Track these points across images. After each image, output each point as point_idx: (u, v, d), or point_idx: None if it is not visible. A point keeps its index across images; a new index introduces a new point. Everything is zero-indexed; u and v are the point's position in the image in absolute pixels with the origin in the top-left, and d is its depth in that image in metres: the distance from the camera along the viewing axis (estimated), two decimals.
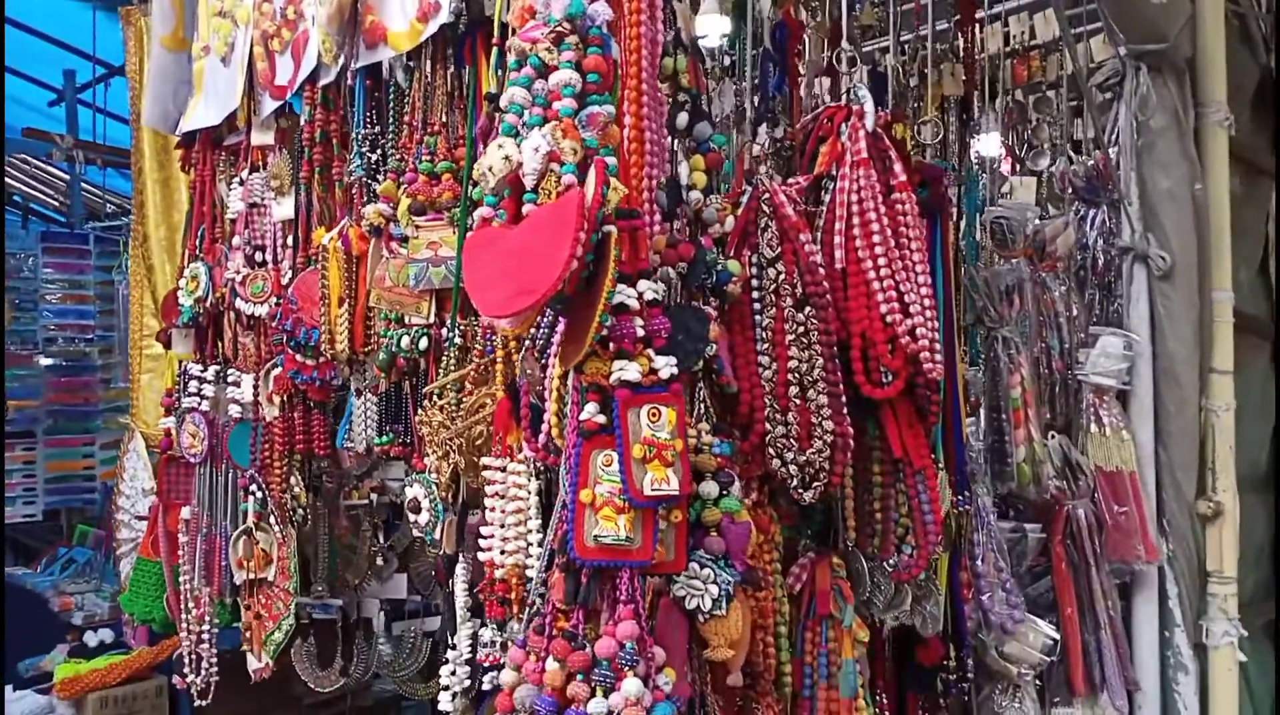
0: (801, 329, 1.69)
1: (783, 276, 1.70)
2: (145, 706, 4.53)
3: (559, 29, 1.46)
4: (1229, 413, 2.52)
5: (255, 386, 2.53)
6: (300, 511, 2.55)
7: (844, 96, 2.00)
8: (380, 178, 2.09)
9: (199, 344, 2.70)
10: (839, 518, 1.91)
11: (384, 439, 2.07)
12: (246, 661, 2.94)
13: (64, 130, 6.18)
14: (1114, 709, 2.38)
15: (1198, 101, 2.53)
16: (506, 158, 1.42)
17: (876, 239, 1.78)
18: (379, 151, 2.10)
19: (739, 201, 1.76)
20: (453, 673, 1.84)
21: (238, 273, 2.51)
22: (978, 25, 3.18)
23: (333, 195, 2.29)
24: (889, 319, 1.76)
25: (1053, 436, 2.39)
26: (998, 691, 2.25)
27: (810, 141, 1.94)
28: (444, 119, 2.03)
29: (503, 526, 1.72)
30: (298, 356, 2.28)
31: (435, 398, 1.86)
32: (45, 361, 6.25)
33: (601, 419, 1.45)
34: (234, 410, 2.58)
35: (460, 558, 1.89)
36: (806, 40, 2.62)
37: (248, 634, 2.64)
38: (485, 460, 1.75)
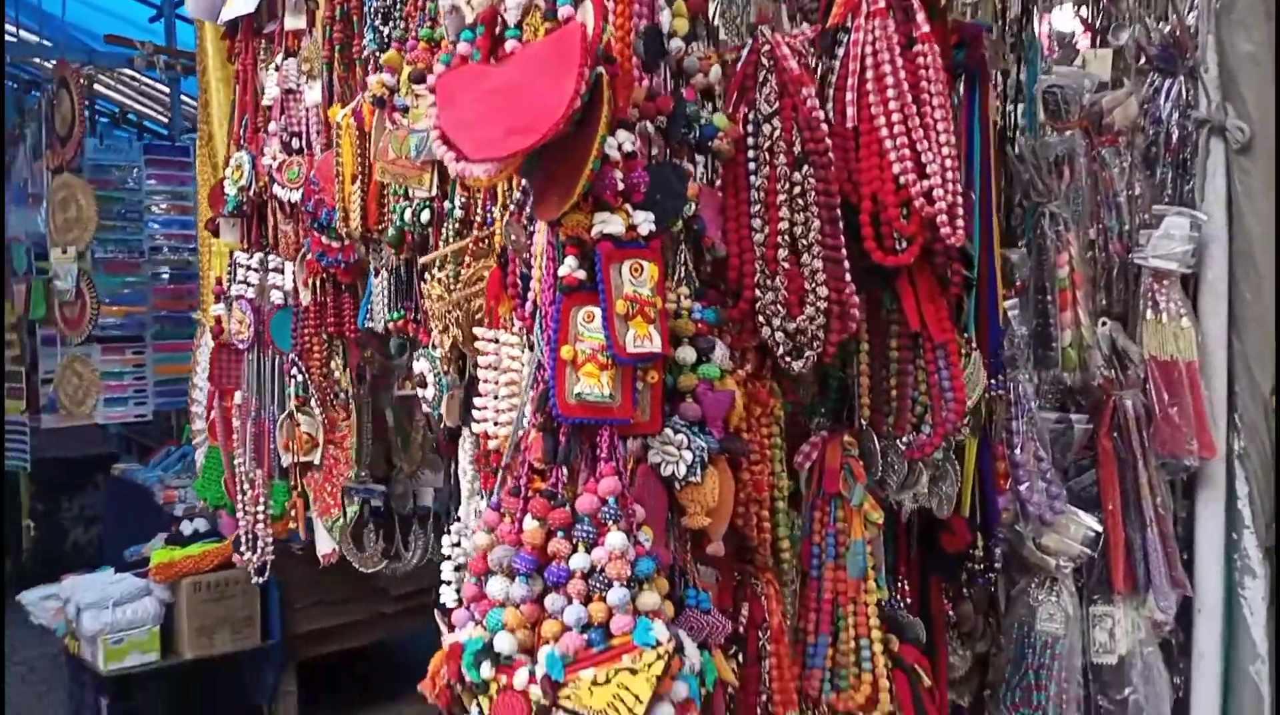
0: (797, 189, 1.58)
1: (778, 133, 1.59)
2: (237, 591, 4.76)
3: None
4: None
5: (294, 273, 2.55)
6: (342, 396, 2.59)
7: None
8: None
9: (245, 233, 2.74)
10: (855, 396, 1.83)
11: (394, 315, 2.06)
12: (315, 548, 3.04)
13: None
14: (1159, 610, 2.26)
15: None
16: None
17: (891, 94, 1.65)
18: (390, 23, 2.05)
19: (738, 56, 1.65)
20: (455, 544, 1.84)
21: (274, 159, 2.52)
22: None
23: (353, 74, 2.26)
24: (902, 180, 1.64)
25: (1104, 323, 2.24)
26: (1034, 585, 2.15)
27: None
28: None
29: (496, 398, 1.70)
30: (323, 238, 2.29)
31: (435, 271, 1.83)
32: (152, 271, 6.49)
33: (581, 274, 1.39)
34: (275, 296, 2.61)
35: (464, 431, 1.88)
36: None
37: (293, 512, 2.71)
38: (478, 331, 1.72)
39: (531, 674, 1.37)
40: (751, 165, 1.61)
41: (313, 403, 2.59)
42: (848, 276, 1.62)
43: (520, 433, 1.48)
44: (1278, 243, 2.26)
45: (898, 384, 1.78)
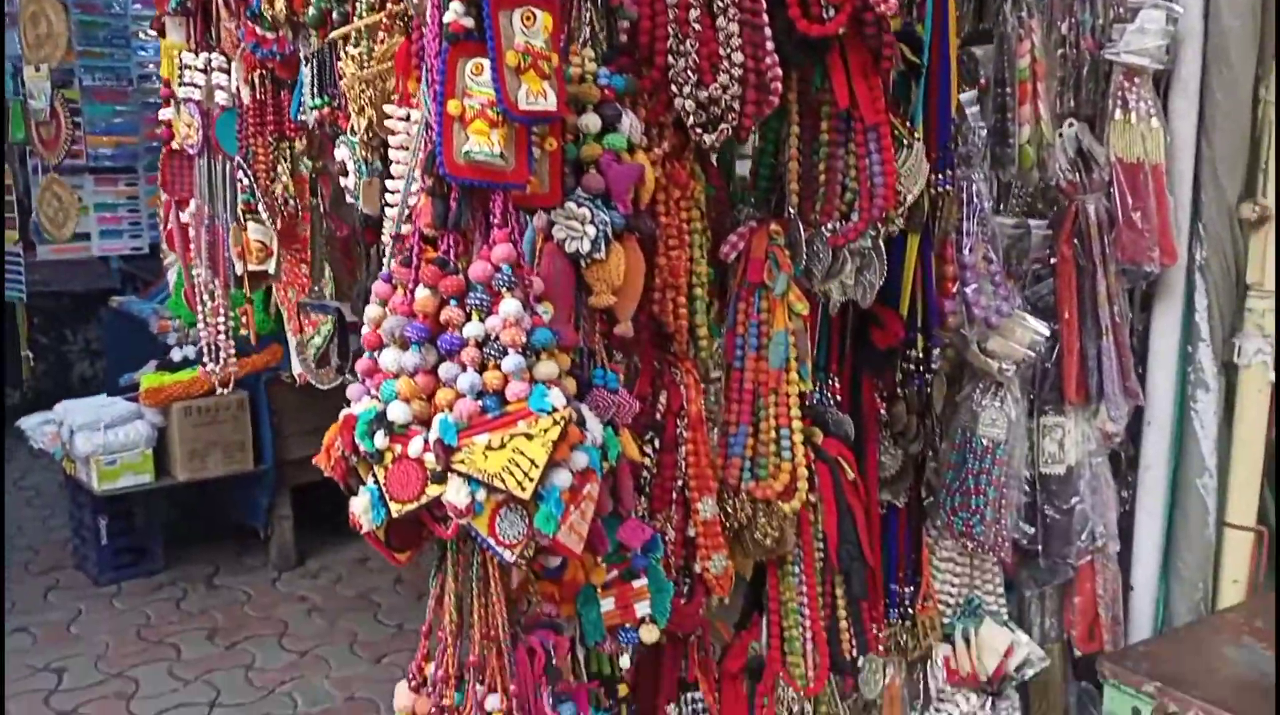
0: None
1: None
2: (227, 417, 4.84)
3: None
4: None
5: (236, 71, 2.46)
6: (290, 202, 2.53)
7: None
8: None
9: (190, 31, 2.64)
10: (784, 183, 1.76)
11: (318, 102, 1.98)
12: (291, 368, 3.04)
13: None
14: (1111, 420, 2.23)
15: None
16: None
17: None
18: None
19: None
20: None
21: None
22: None
23: None
24: None
25: (1071, 124, 2.13)
26: (978, 391, 2.12)
27: None
28: None
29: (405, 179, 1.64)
30: (256, 29, 2.20)
31: (351, 48, 1.75)
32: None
33: (469, 22, 1.30)
34: (220, 97, 2.53)
35: (384, 220, 1.83)
36: None
37: (244, 319, 2.70)
38: (388, 108, 1.65)
39: (426, 441, 1.35)
40: None
41: (260, 208, 2.54)
42: (769, 44, 1.53)
43: (410, 200, 1.43)
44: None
45: (826, 169, 1.71)
